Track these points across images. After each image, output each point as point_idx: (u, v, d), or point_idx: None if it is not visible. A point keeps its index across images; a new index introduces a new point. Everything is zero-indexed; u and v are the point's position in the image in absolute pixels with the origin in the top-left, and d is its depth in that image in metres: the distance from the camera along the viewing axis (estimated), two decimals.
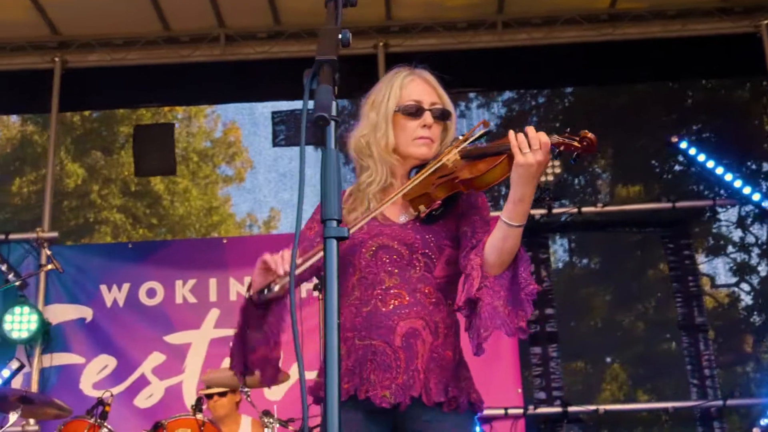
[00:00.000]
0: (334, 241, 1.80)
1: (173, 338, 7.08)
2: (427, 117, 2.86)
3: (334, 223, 1.81)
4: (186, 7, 7.61)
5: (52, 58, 7.84)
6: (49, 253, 5.94)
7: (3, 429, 5.33)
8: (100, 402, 5.22)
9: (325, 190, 1.85)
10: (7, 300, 7.03)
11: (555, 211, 7.27)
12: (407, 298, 2.75)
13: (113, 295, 7.22)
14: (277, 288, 2.64)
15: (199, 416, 5.14)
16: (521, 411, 6.78)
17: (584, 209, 7.35)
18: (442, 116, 2.88)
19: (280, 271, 2.60)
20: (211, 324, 7.09)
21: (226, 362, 6.74)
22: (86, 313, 7.18)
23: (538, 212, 7.27)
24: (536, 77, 8.49)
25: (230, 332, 6.87)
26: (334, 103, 1.89)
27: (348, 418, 2.66)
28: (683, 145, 7.42)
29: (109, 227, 16.22)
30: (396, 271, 2.78)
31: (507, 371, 6.89)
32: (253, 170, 18.07)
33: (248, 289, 2.81)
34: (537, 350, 7.14)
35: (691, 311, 7.29)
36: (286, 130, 7.82)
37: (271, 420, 5.40)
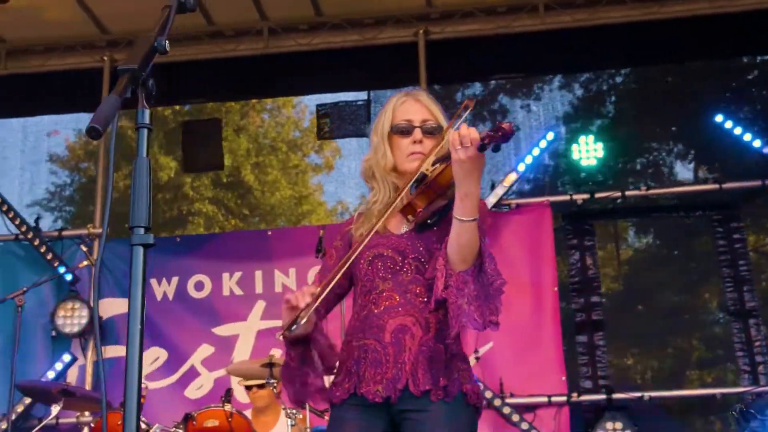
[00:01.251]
0: (141, 248, 1.86)
1: (221, 330, 7.31)
2: (417, 133, 3.06)
3: (141, 231, 1.85)
4: (229, 2, 7.81)
5: (101, 56, 8.12)
6: (85, 249, 6.18)
7: (44, 421, 5.57)
8: None
9: (135, 197, 1.89)
10: (60, 295, 7.35)
11: (597, 195, 7.28)
12: (398, 299, 2.94)
13: (163, 288, 7.48)
14: (303, 322, 2.83)
15: (228, 407, 5.31)
16: (565, 399, 6.83)
17: (628, 193, 7.34)
18: (432, 131, 3.06)
19: (301, 304, 2.80)
20: (258, 315, 7.30)
21: (273, 353, 6.99)
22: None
23: (580, 197, 7.30)
24: (580, 59, 8.45)
25: (276, 323, 7.11)
26: (117, 115, 1.88)
27: (349, 414, 2.93)
28: (728, 124, 7.37)
29: (201, 218, 16.65)
30: (389, 276, 2.97)
31: (550, 359, 6.95)
32: (342, 158, 18.32)
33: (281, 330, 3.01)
34: (583, 338, 7.18)
35: (741, 296, 7.24)
36: (330, 123, 7.98)
37: (295, 411, 5.56)
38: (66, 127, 11.62)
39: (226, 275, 7.41)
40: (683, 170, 12.21)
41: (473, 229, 2.76)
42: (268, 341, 7.11)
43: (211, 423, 5.34)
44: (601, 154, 7.26)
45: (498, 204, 7.25)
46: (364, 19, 7.99)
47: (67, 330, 7.12)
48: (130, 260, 1.97)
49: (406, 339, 2.89)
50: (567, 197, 7.38)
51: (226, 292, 7.38)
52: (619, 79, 13.36)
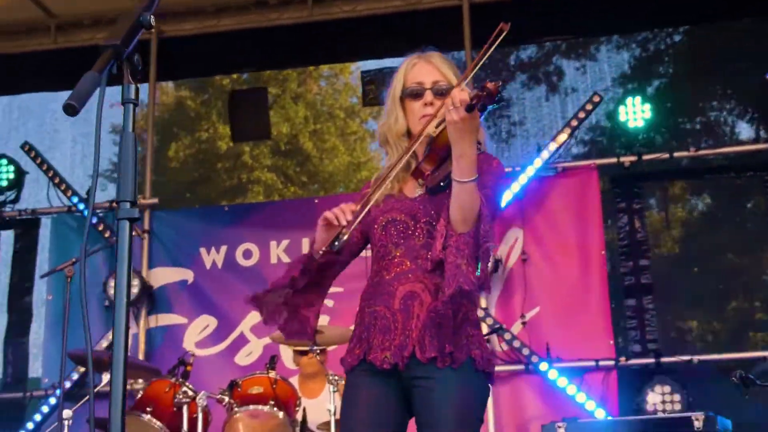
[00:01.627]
0: (127, 222, 1.86)
1: None
2: (427, 95, 3.05)
3: (128, 205, 1.86)
4: None
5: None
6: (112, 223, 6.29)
7: (98, 388, 5.71)
8: (182, 362, 5.55)
9: (121, 172, 1.90)
10: (111, 265, 7.52)
11: (645, 157, 7.19)
12: (409, 265, 2.95)
13: (212, 257, 7.60)
14: (345, 237, 2.89)
15: (272, 374, 5.39)
16: (613, 363, 6.80)
17: (676, 154, 7.24)
18: (443, 92, 3.03)
19: (343, 221, 2.87)
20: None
21: (321, 321, 7.07)
22: (187, 275, 7.60)
23: (627, 159, 7.22)
24: (636, 18, 8.28)
25: (336, 290, 7.19)
26: (99, 91, 1.87)
27: (360, 380, 3.00)
28: None
29: (261, 187, 16.88)
30: (402, 241, 2.99)
31: (597, 323, 6.93)
32: None
33: (311, 248, 3.05)
34: (631, 302, 7.12)
35: None
36: (375, 89, 8.00)
37: (337, 377, 5.63)
38: None
39: (273, 243, 7.50)
40: (739, 130, 11.98)
41: (472, 190, 2.78)
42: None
43: (256, 390, 5.44)
44: (648, 115, 7.16)
45: (544, 167, 7.20)
46: None
47: None
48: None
49: (415, 306, 2.90)
50: (614, 159, 7.31)
51: (273, 260, 7.47)
52: (677, 38, 13.12)
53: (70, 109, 1.85)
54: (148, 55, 8.10)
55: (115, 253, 1.86)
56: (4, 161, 7.80)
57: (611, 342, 6.90)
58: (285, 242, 7.49)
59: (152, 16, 1.96)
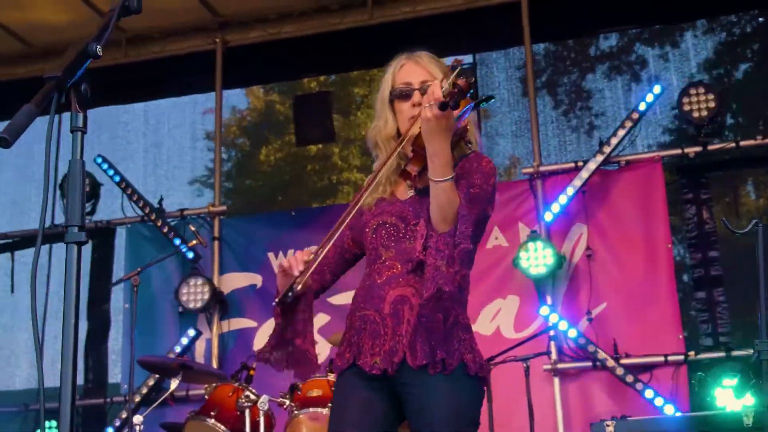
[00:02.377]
0: (75, 246, 1.92)
1: (336, 299, 7.52)
2: (416, 96, 3.03)
3: (75, 229, 1.92)
4: None
5: (214, 39, 8.45)
6: (193, 228, 6.50)
7: (166, 394, 5.92)
8: (245, 366, 5.73)
9: (69, 198, 1.96)
10: (184, 272, 7.76)
11: (711, 147, 7.10)
12: (399, 268, 2.95)
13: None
14: (299, 288, 2.93)
15: (331, 377, 5.51)
16: (682, 357, 6.74)
17: (743, 143, 7.11)
18: None
19: (295, 272, 2.89)
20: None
21: None
22: (256, 279, 7.80)
23: (692, 150, 7.14)
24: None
25: None
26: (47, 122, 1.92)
27: (350, 383, 2.99)
28: None
29: (350, 187, 17.08)
30: (392, 244, 2.99)
31: (666, 318, 6.87)
32: (487, 118, 18.38)
33: (275, 296, 3.10)
34: (701, 295, 7.05)
35: None
36: None
37: None
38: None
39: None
40: None
41: (448, 189, 2.76)
42: None
43: (315, 393, 5.56)
44: (713, 104, 7.06)
45: (606, 162, 7.18)
46: None
47: (191, 306, 7.52)
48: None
49: (405, 310, 2.88)
50: (678, 151, 7.23)
51: None
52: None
53: (3, 142, 1.87)
54: (214, 64, 8.33)
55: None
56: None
57: (680, 336, 6.83)
58: None
59: (99, 46, 2.01)
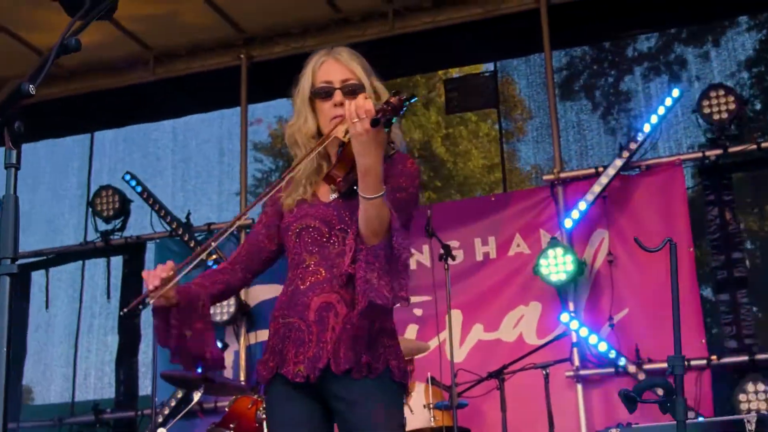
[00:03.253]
0: (7, 278, 1.97)
1: None
2: (337, 95, 2.97)
3: (8, 261, 1.97)
4: None
5: (238, 54, 8.61)
6: (214, 245, 6.62)
7: (191, 405, 6.08)
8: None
9: (2, 231, 2.00)
10: None
11: (731, 149, 7.07)
12: (324, 274, 2.90)
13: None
14: (150, 302, 2.90)
15: None
16: (705, 362, 6.72)
17: (764, 144, 7.07)
18: (354, 90, 2.96)
19: (150, 286, 2.83)
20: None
21: (408, 333, 7.26)
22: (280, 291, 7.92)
23: (713, 153, 7.13)
24: None
25: (412, 299, 7.35)
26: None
27: (279, 396, 2.96)
28: None
29: None
30: (316, 249, 2.93)
31: (688, 322, 6.83)
32: (532, 119, 18.34)
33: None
34: (725, 297, 7.02)
35: None
36: (459, 96, 8.17)
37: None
38: (267, 116, 12.29)
39: None
40: None
41: (379, 205, 2.68)
42: (403, 317, 7.37)
43: None
44: (733, 107, 7.05)
45: (627, 166, 7.20)
46: None
47: (217, 318, 7.67)
48: None
49: (330, 317, 2.85)
50: (699, 154, 7.23)
51: None
52: None
53: None
54: (239, 80, 8.50)
55: None
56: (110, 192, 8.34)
57: (703, 341, 6.81)
58: None
59: (32, 86, 2.07)
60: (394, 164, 2.94)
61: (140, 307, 3.02)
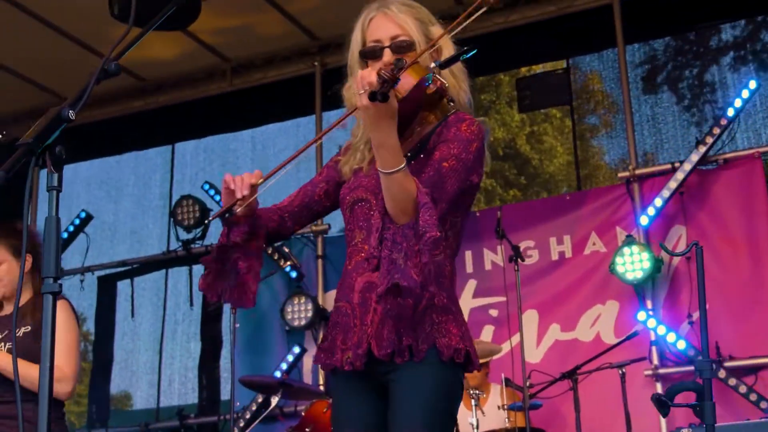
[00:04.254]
0: (51, 296, 2.01)
1: None
2: (386, 54, 2.76)
3: (50, 281, 2.01)
4: None
5: (312, 62, 8.73)
6: (287, 250, 6.77)
7: (270, 409, 6.21)
8: None
9: (45, 251, 2.04)
10: (290, 291, 8.05)
11: None
12: (367, 251, 2.69)
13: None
14: (239, 210, 2.66)
15: None
16: None
17: None
18: (404, 47, 2.76)
19: (238, 194, 2.61)
20: (470, 294, 7.61)
21: (484, 335, 7.27)
22: None
23: None
24: None
25: (488, 300, 7.38)
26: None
27: (336, 387, 2.81)
28: None
29: (481, 194, 17.24)
30: (364, 224, 2.73)
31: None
32: (618, 113, 18.13)
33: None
34: None
35: None
36: (531, 95, 8.15)
37: (478, 392, 5.82)
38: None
39: None
40: None
41: (401, 180, 2.49)
42: (480, 318, 7.42)
43: None
44: None
45: (703, 161, 7.07)
46: None
47: (295, 324, 7.80)
48: None
49: (372, 297, 2.62)
50: None
51: None
52: None
53: None
54: (314, 88, 8.61)
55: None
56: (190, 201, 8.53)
57: None
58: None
59: (73, 111, 2.10)
60: (448, 128, 2.72)
61: (227, 215, 2.72)
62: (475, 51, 2.64)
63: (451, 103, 2.73)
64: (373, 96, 2.38)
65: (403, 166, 2.49)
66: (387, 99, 2.40)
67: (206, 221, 2.62)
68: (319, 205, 2.93)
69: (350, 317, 2.68)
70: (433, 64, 2.65)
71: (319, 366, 2.88)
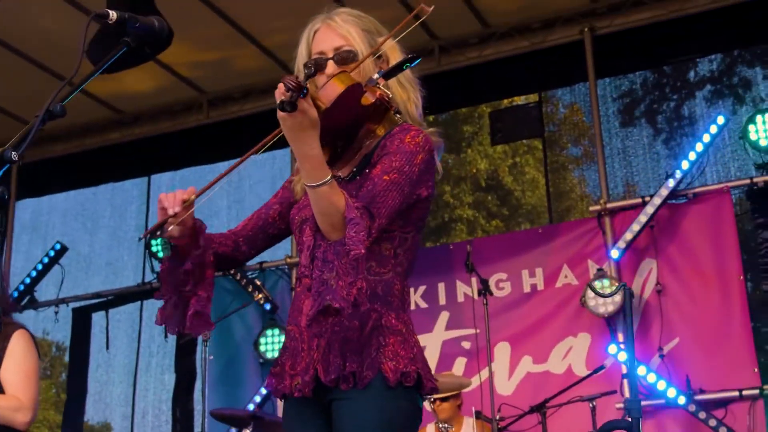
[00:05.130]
0: None
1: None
2: (329, 66, 2.68)
3: None
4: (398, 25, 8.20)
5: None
6: (259, 283, 6.78)
7: None
8: None
9: None
10: (264, 323, 8.05)
11: None
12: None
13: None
14: (171, 228, 2.53)
15: None
16: (758, 391, 6.60)
17: None
18: (348, 59, 2.67)
19: (170, 211, 2.49)
20: (442, 326, 7.63)
21: (456, 367, 7.30)
22: None
23: (761, 179, 7.03)
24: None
25: (460, 332, 7.39)
26: None
27: (286, 414, 2.68)
28: None
29: (464, 225, 17.25)
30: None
31: (740, 351, 6.76)
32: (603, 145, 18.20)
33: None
34: None
35: None
36: (503, 127, 8.23)
37: (447, 426, 5.84)
38: None
39: (411, 290, 7.76)
40: None
41: (327, 193, 2.39)
42: (452, 351, 7.45)
43: None
44: None
45: (673, 195, 7.15)
46: (532, 24, 8.12)
47: (269, 356, 7.80)
48: None
49: (319, 320, 2.47)
50: (747, 180, 7.14)
51: (412, 306, 7.73)
52: None
53: None
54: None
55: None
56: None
57: (756, 370, 6.71)
58: (422, 288, 7.77)
59: (16, 153, 2.03)
60: (392, 139, 2.61)
61: (157, 233, 2.58)
62: (418, 60, 2.55)
63: (398, 115, 2.60)
64: (281, 105, 2.28)
65: (328, 178, 2.38)
66: (295, 108, 2.28)
67: (139, 238, 2.54)
68: (273, 228, 2.83)
69: (298, 341, 2.57)
70: (376, 75, 2.56)
71: (271, 392, 2.73)
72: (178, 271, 2.62)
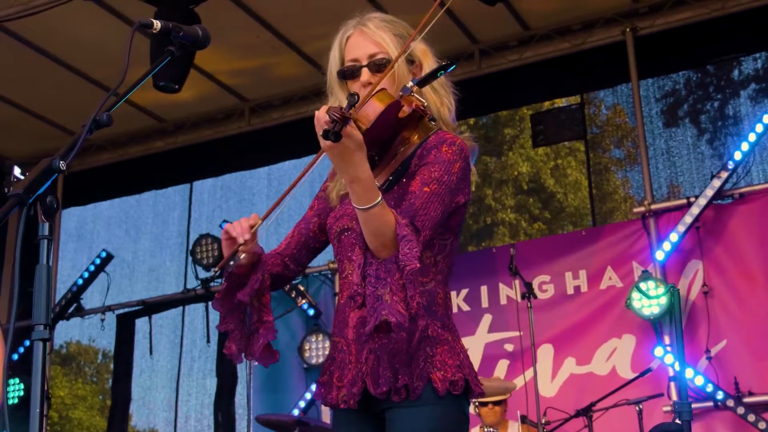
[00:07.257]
0: (41, 343, 1.99)
1: None
2: (364, 74, 2.67)
3: (41, 327, 2.00)
4: (438, 30, 8.18)
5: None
6: (302, 288, 6.80)
7: None
8: None
9: (36, 299, 2.02)
10: (308, 329, 8.08)
11: None
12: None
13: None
14: (242, 257, 2.56)
15: None
16: None
17: None
18: (382, 66, 2.65)
19: (240, 239, 2.51)
20: (485, 329, 7.62)
21: (498, 370, 7.29)
22: None
23: None
24: None
25: (503, 335, 7.38)
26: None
27: (337, 422, 2.70)
28: None
29: (506, 228, 17.20)
30: (353, 255, 2.61)
31: None
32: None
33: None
34: None
35: None
36: (545, 130, 8.20)
37: (492, 429, 5.82)
38: None
39: (453, 293, 7.78)
40: None
41: (379, 214, 2.38)
42: (495, 353, 7.43)
43: None
44: None
45: (719, 195, 7.07)
46: (572, 26, 8.09)
47: (313, 361, 7.82)
48: None
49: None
50: None
51: (454, 309, 7.75)
52: None
53: None
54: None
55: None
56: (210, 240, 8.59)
57: None
58: (464, 291, 7.76)
59: (64, 162, 2.07)
60: (428, 149, 2.60)
61: (231, 263, 2.60)
62: (453, 66, 2.52)
63: (433, 122, 2.60)
64: (325, 135, 2.26)
65: (379, 200, 2.38)
66: (340, 138, 2.26)
67: (213, 272, 2.51)
68: (315, 241, 2.82)
69: (345, 354, 2.59)
70: (411, 83, 2.53)
71: (320, 402, 2.75)
72: (240, 300, 2.64)
